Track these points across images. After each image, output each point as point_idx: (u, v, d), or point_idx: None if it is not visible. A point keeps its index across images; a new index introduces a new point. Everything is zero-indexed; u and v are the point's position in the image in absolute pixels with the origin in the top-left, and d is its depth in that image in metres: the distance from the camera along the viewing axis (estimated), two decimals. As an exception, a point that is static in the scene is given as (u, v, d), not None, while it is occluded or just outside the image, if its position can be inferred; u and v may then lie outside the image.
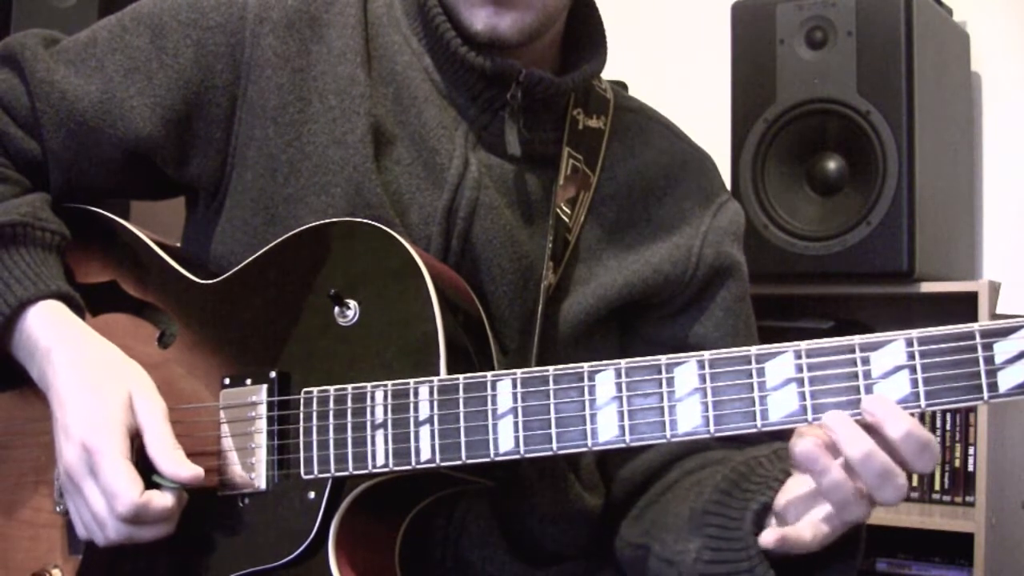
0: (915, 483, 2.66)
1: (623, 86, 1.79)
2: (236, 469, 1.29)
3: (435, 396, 1.22)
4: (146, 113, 1.40)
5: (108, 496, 1.22)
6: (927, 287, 2.58)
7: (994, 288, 2.54)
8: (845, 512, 1.14)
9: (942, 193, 2.67)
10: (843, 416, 1.10)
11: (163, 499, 1.24)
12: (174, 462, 1.25)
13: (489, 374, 1.21)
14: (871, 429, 1.10)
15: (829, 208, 2.63)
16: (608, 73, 1.54)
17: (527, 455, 1.19)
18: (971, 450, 2.63)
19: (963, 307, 2.56)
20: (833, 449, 1.12)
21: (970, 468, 2.63)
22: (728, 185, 1.61)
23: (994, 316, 2.52)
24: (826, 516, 1.16)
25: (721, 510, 1.27)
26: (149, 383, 1.30)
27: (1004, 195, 2.94)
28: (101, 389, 1.28)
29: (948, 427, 2.65)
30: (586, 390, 1.17)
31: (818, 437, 1.13)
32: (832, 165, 2.65)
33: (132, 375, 1.31)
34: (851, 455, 1.10)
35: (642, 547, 1.41)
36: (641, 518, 1.45)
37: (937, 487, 2.67)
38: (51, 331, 1.32)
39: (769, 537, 1.19)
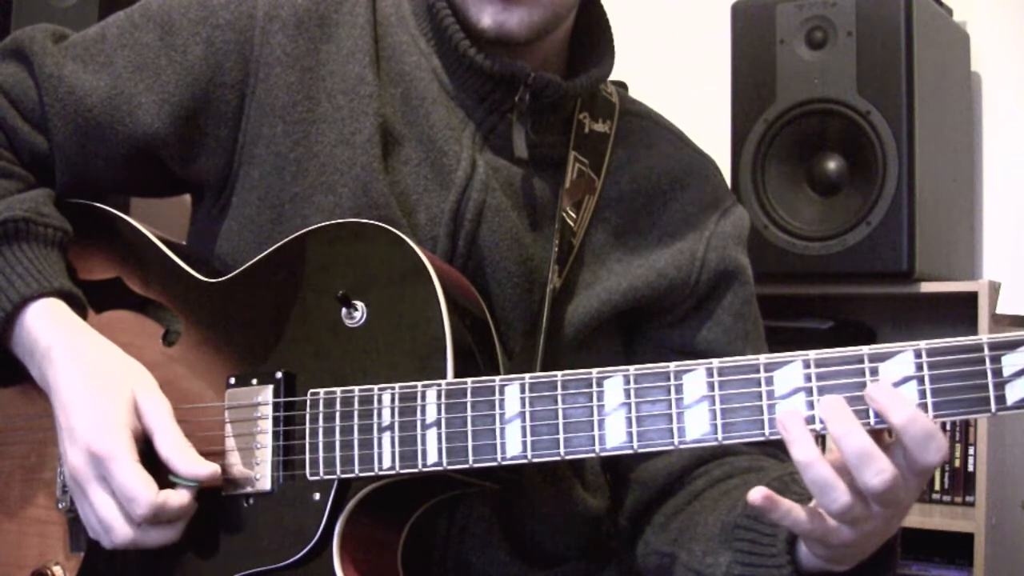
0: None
1: (623, 86, 1.79)
2: (240, 469, 1.29)
3: (443, 400, 1.22)
4: (154, 109, 1.40)
5: (125, 500, 1.22)
6: (927, 287, 2.58)
7: (994, 288, 2.55)
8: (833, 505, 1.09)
9: (942, 193, 2.67)
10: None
11: (180, 497, 1.24)
12: (190, 461, 1.25)
13: (497, 378, 1.21)
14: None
15: (829, 208, 2.63)
16: (608, 73, 1.54)
17: (534, 459, 1.19)
18: (971, 450, 2.64)
19: (963, 307, 2.57)
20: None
21: (970, 468, 2.64)
22: (728, 185, 1.61)
23: (994, 316, 2.53)
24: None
25: (754, 525, 1.26)
26: (152, 382, 1.30)
27: (1004, 195, 2.95)
28: (104, 390, 1.27)
29: (948, 427, 2.65)
30: (594, 396, 1.17)
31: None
32: (832, 165, 2.64)
33: (134, 374, 1.31)
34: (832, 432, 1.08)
35: (668, 555, 1.42)
36: (667, 526, 1.45)
37: (937, 487, 2.68)
38: (51, 329, 1.32)
39: (756, 495, 1.11)
